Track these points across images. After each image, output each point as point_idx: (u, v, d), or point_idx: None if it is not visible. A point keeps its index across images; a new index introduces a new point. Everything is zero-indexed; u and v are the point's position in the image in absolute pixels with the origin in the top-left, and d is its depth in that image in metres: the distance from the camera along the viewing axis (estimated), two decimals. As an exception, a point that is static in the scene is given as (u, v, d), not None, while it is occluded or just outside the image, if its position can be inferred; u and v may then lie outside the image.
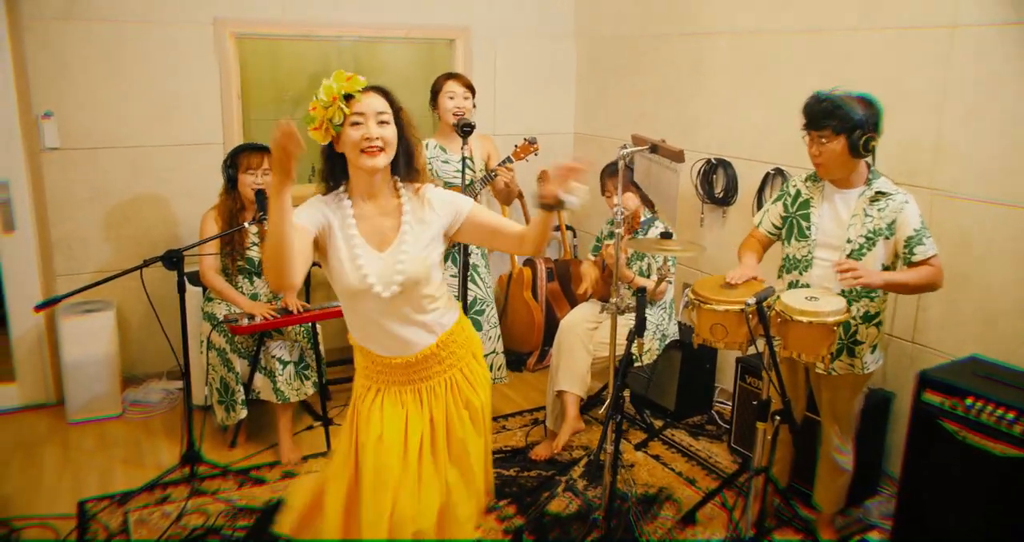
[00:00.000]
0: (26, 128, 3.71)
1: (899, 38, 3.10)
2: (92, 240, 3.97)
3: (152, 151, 4.02)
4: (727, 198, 3.87)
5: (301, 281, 1.86)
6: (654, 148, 2.51)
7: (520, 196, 4.73)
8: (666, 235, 2.50)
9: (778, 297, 2.53)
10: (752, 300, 2.34)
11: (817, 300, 2.45)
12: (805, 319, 2.39)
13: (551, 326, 4.09)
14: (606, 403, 2.59)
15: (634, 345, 2.58)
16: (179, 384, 3.97)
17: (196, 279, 3.65)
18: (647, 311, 3.54)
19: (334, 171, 2.01)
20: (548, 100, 4.95)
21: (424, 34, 4.58)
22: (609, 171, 3.45)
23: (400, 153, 2.00)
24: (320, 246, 2.00)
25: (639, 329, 2.55)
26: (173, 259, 3.06)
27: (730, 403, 3.58)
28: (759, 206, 3.69)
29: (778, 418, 2.49)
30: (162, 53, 3.94)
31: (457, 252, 3.47)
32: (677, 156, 2.36)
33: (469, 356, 2.16)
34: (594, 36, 4.78)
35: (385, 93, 1.98)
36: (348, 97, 1.90)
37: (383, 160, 1.94)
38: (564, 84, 4.98)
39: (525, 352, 4.59)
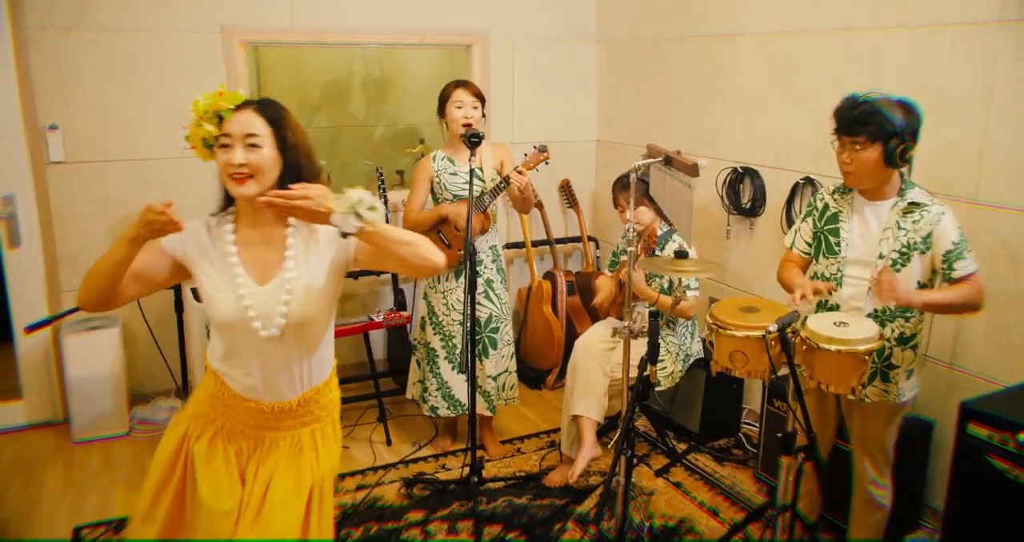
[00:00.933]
0: (31, 141, 3.64)
1: (938, 35, 2.87)
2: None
3: (160, 163, 3.93)
4: (755, 209, 3.65)
5: (121, 304, 1.80)
6: (668, 160, 2.32)
7: (540, 206, 4.56)
8: (681, 254, 2.31)
9: (804, 321, 2.32)
10: (774, 326, 2.13)
11: (847, 326, 2.23)
12: (833, 347, 2.17)
13: (572, 342, 3.90)
14: (616, 435, 2.40)
15: (647, 372, 2.39)
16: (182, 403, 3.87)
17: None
18: (671, 332, 3.34)
19: (226, 192, 1.84)
20: (569, 107, 4.76)
21: (440, 40, 4.43)
22: (620, 184, 3.26)
23: (285, 180, 1.76)
24: (186, 271, 1.85)
25: (652, 356, 2.36)
26: (170, 277, 2.96)
27: (758, 426, 3.36)
28: (788, 218, 3.47)
29: (802, 454, 2.28)
30: (170, 63, 3.85)
31: (462, 266, 3.31)
32: (691, 170, 2.17)
33: (328, 422, 1.96)
34: (616, 39, 4.59)
35: (266, 110, 1.78)
36: (221, 116, 1.75)
37: (253, 188, 1.74)
38: (586, 90, 4.78)
39: (544, 369, 4.41)
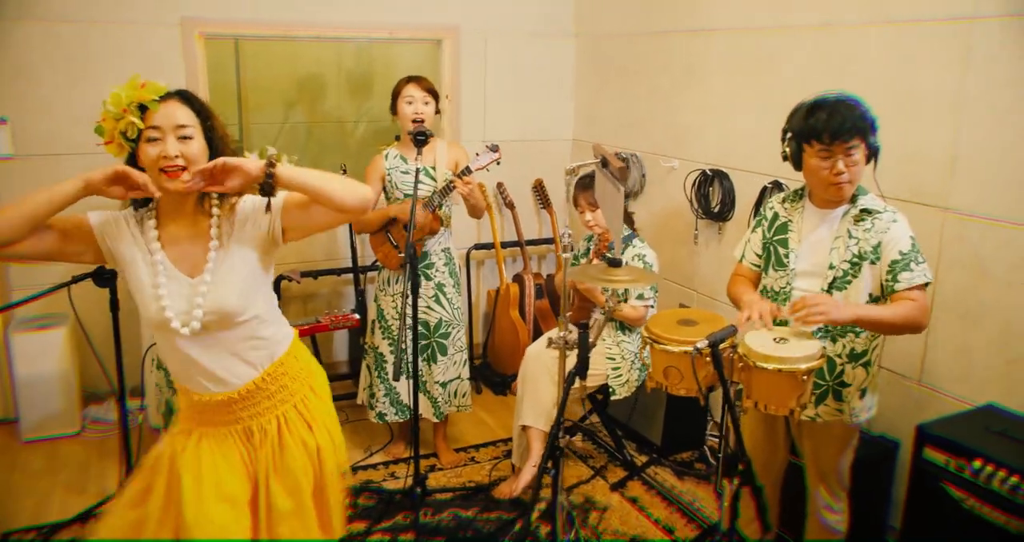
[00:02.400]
0: (-20, 135, 3.56)
1: (911, 33, 2.70)
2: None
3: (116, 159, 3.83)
4: (724, 212, 3.50)
5: (12, 255, 1.64)
6: (604, 162, 2.18)
7: (511, 206, 4.43)
8: (614, 263, 2.17)
9: (746, 337, 2.17)
10: (703, 342, 1.99)
11: (786, 342, 2.08)
12: (771, 366, 2.02)
13: (536, 348, 3.77)
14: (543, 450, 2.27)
15: (575, 386, 2.26)
16: (140, 402, 3.76)
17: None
18: (626, 339, 3.20)
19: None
20: (544, 104, 4.61)
21: (409, 34, 4.30)
22: (581, 184, 3.12)
23: None
24: (111, 261, 1.77)
25: (581, 370, 2.22)
26: (104, 276, 2.86)
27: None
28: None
29: (738, 479, 2.13)
30: (128, 55, 3.74)
31: (405, 267, 3.14)
32: (619, 173, 2.03)
33: (306, 389, 1.89)
34: (594, 34, 4.43)
35: (190, 100, 1.72)
36: (143, 108, 1.65)
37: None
38: (562, 87, 4.63)
39: (509, 374, 4.28)
